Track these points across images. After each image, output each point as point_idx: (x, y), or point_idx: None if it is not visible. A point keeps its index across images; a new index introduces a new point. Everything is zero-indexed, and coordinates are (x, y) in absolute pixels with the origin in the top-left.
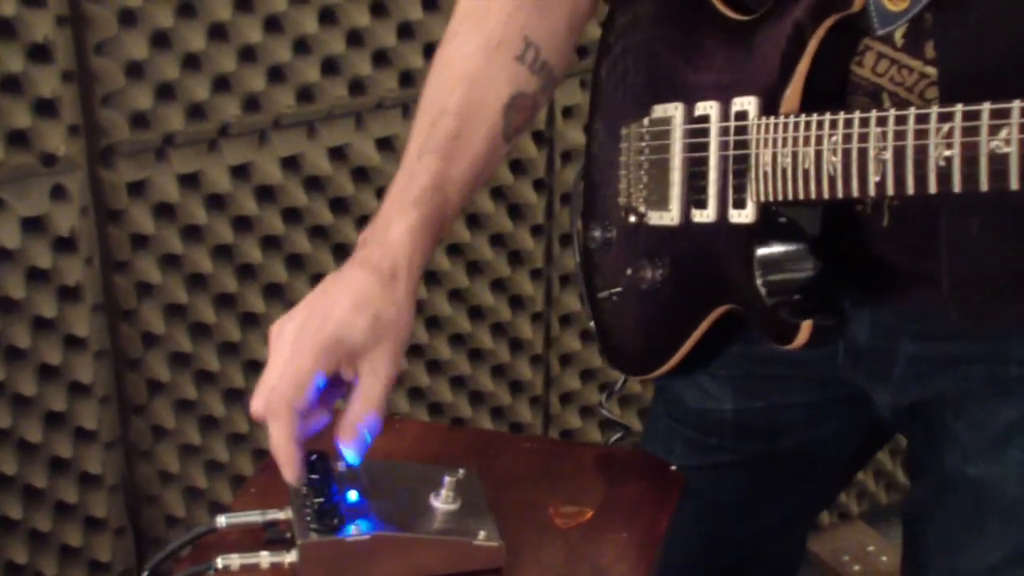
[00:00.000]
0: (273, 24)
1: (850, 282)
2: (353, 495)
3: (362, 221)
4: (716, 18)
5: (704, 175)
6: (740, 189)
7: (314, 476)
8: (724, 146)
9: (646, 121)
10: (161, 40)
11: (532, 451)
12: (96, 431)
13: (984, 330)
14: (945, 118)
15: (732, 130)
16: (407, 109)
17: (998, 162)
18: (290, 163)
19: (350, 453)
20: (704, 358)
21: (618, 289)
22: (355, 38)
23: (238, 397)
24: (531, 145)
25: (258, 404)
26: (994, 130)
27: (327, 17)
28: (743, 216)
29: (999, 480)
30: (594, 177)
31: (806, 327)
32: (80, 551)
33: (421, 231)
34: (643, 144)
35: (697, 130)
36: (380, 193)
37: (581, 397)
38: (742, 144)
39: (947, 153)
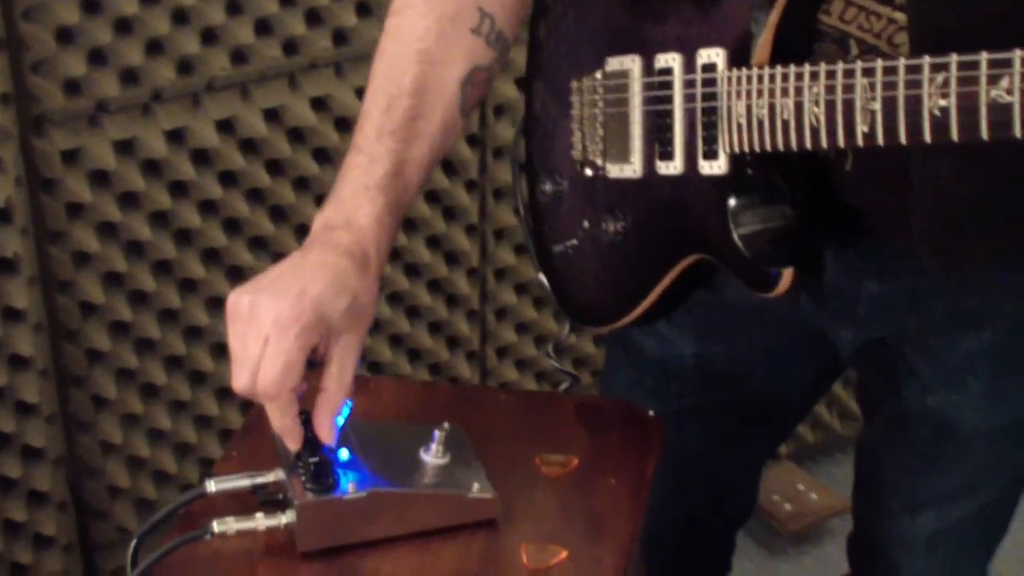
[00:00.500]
0: None
1: (819, 226)
2: (344, 454)
3: (299, 183)
4: None
5: (669, 127)
6: (711, 141)
7: (305, 437)
8: (690, 98)
9: (599, 75)
10: (92, 5)
11: (510, 403)
12: (37, 404)
13: (952, 268)
14: (939, 68)
15: (699, 82)
16: (340, 69)
17: (1000, 112)
18: (225, 126)
19: (326, 436)
20: (668, 307)
21: (574, 242)
22: None
23: (179, 364)
24: None
25: (244, 382)
26: (993, 80)
27: None
28: (715, 167)
29: (958, 410)
30: (540, 131)
31: (788, 275)
32: (23, 525)
33: (387, 217)
34: (597, 97)
35: (659, 83)
36: (316, 154)
37: (517, 350)
38: (711, 96)
39: (942, 103)
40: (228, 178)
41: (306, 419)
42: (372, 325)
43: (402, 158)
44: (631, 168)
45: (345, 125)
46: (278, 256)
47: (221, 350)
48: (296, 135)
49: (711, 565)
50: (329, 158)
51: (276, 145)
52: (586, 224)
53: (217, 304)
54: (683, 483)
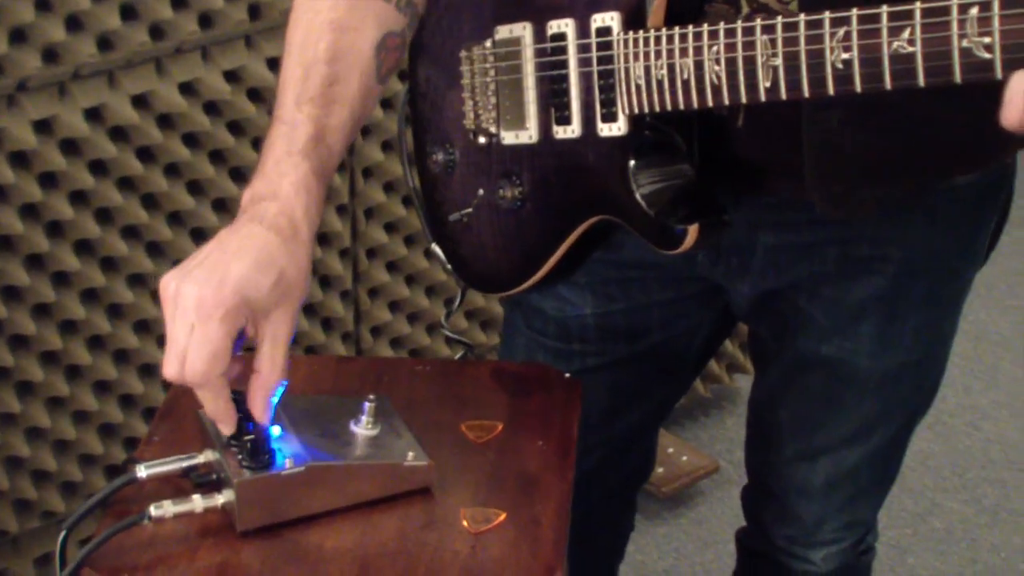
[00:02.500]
0: None
1: (716, 181)
2: (276, 431)
3: (169, 169)
4: None
5: (565, 92)
6: (609, 103)
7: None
8: (586, 63)
9: (489, 43)
10: None
11: (427, 373)
12: None
13: (844, 216)
14: (839, 22)
15: (594, 46)
16: (206, 52)
17: (902, 62)
18: (93, 114)
19: (261, 417)
20: (568, 269)
21: (469, 210)
22: None
23: (102, 344)
24: None
25: (174, 369)
26: (895, 31)
27: None
28: (615, 129)
29: (852, 355)
30: (427, 103)
31: (693, 231)
32: None
33: (313, 182)
34: (488, 66)
35: (552, 48)
36: (187, 140)
37: (391, 329)
38: (607, 60)
39: (845, 56)
40: (98, 167)
41: (240, 399)
42: None
43: (323, 124)
44: (527, 134)
45: (255, 95)
46: (197, 231)
47: (144, 328)
48: (211, 107)
49: (614, 524)
50: (243, 130)
51: (146, 131)
52: (481, 192)
53: (139, 281)
54: (585, 441)
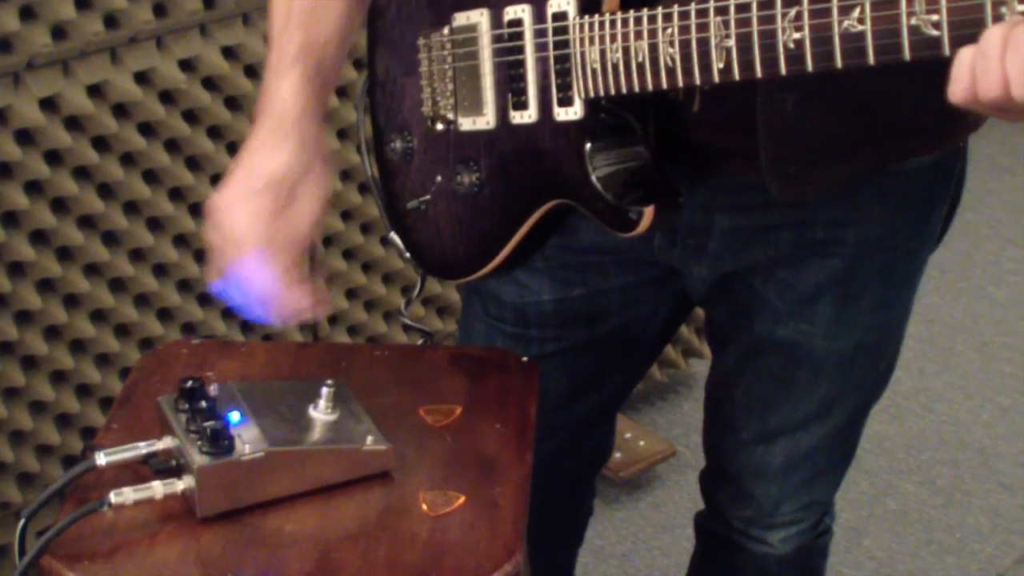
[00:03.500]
0: None
1: (673, 164)
2: (236, 416)
3: (125, 159)
4: None
5: (522, 78)
6: (565, 88)
7: (194, 403)
8: (542, 47)
9: (446, 30)
10: None
11: (385, 358)
12: None
13: (800, 198)
14: (791, 2)
15: (550, 31)
16: (161, 42)
17: (853, 41)
18: (47, 104)
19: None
20: (526, 254)
21: (427, 197)
22: None
23: (57, 334)
24: None
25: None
26: (845, 10)
27: None
28: (571, 113)
29: (807, 337)
30: (386, 92)
31: (648, 213)
32: None
33: (307, 82)
34: (446, 53)
35: (508, 34)
36: (143, 129)
37: (348, 316)
38: (563, 44)
39: (796, 36)
40: (53, 157)
41: (200, 386)
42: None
43: (312, 39)
44: (484, 120)
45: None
46: (152, 220)
47: (100, 317)
48: (121, 110)
49: (574, 508)
50: (198, 119)
51: (101, 121)
52: (439, 179)
53: (95, 270)
54: (545, 426)
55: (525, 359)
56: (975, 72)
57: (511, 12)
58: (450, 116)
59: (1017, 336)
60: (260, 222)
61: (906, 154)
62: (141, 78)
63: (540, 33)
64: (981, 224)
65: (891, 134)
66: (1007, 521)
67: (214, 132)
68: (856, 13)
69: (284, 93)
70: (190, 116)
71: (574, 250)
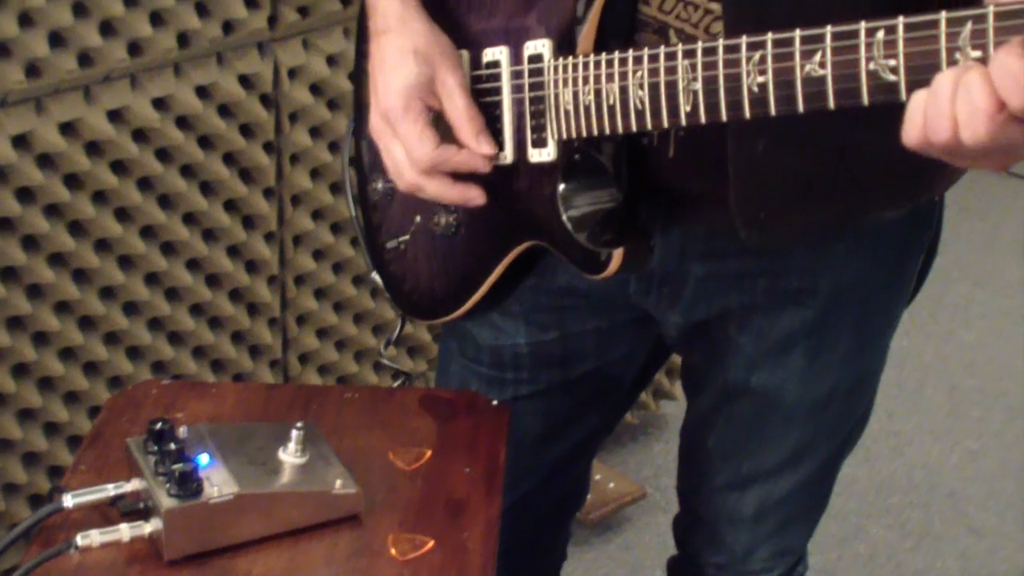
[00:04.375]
0: None
1: (646, 210)
2: (205, 459)
3: (97, 196)
4: None
5: (498, 119)
6: (539, 129)
7: (163, 444)
8: (518, 89)
9: None
10: None
11: (356, 400)
12: None
13: (770, 244)
14: (755, 47)
15: (526, 73)
16: (136, 80)
17: (814, 84)
18: (20, 141)
19: (486, 145)
20: (501, 295)
21: (406, 237)
22: (81, 9)
23: (27, 371)
24: (259, 108)
25: (408, 174)
26: (807, 55)
27: None
28: (544, 155)
29: (780, 385)
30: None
31: (617, 256)
32: None
33: None
34: None
35: (487, 76)
36: (115, 167)
37: (319, 356)
38: (538, 86)
39: (760, 79)
40: (25, 195)
41: (169, 427)
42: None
43: None
44: None
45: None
46: (124, 258)
47: (68, 355)
48: (94, 148)
49: (547, 551)
50: (171, 157)
51: (73, 158)
52: (418, 219)
53: (65, 308)
54: (519, 468)
55: (495, 403)
56: (927, 114)
57: (489, 54)
58: None
59: (986, 379)
60: (429, 139)
61: (880, 206)
62: (115, 116)
63: (516, 75)
64: (950, 267)
65: (864, 184)
66: (975, 564)
67: (187, 171)
68: (817, 57)
69: (383, 5)
70: (163, 154)
71: (549, 292)
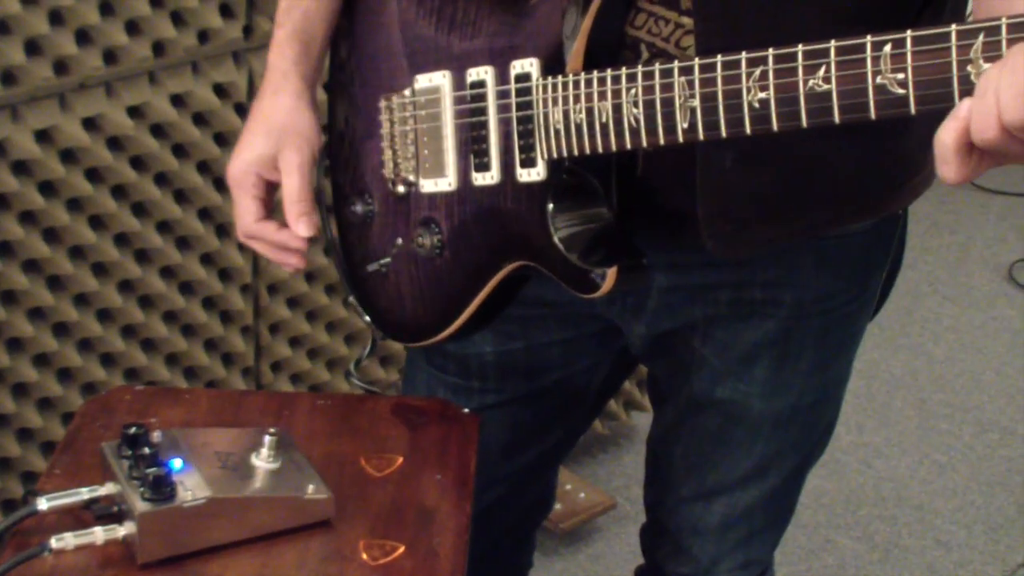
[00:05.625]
0: None
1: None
2: (178, 463)
3: (72, 204)
4: None
5: (484, 139)
6: (528, 149)
7: (136, 449)
8: (505, 109)
9: (408, 92)
10: None
11: (327, 407)
12: None
13: (735, 256)
14: (756, 62)
15: (513, 92)
16: (111, 88)
17: (817, 100)
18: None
19: (303, 229)
20: (487, 318)
21: (387, 260)
22: (57, 17)
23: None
24: (234, 116)
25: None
26: (810, 70)
27: None
28: (534, 175)
29: (745, 397)
30: (346, 152)
31: (611, 274)
32: None
33: (291, 40)
34: (408, 115)
35: (471, 96)
36: (90, 174)
37: (292, 364)
38: (526, 106)
39: (761, 96)
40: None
41: (143, 432)
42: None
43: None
44: (446, 181)
45: (158, 131)
46: (97, 265)
47: (42, 361)
48: (68, 156)
49: (513, 561)
50: (146, 166)
51: (49, 166)
52: (400, 241)
53: (39, 315)
54: (485, 477)
55: (466, 410)
56: (971, 113)
57: (474, 74)
58: (411, 178)
59: (955, 393)
60: (242, 211)
61: (845, 219)
62: (90, 124)
63: (503, 95)
64: (920, 281)
65: (829, 195)
66: None
67: (161, 179)
68: (822, 72)
69: (271, 58)
70: (137, 162)
71: (517, 302)
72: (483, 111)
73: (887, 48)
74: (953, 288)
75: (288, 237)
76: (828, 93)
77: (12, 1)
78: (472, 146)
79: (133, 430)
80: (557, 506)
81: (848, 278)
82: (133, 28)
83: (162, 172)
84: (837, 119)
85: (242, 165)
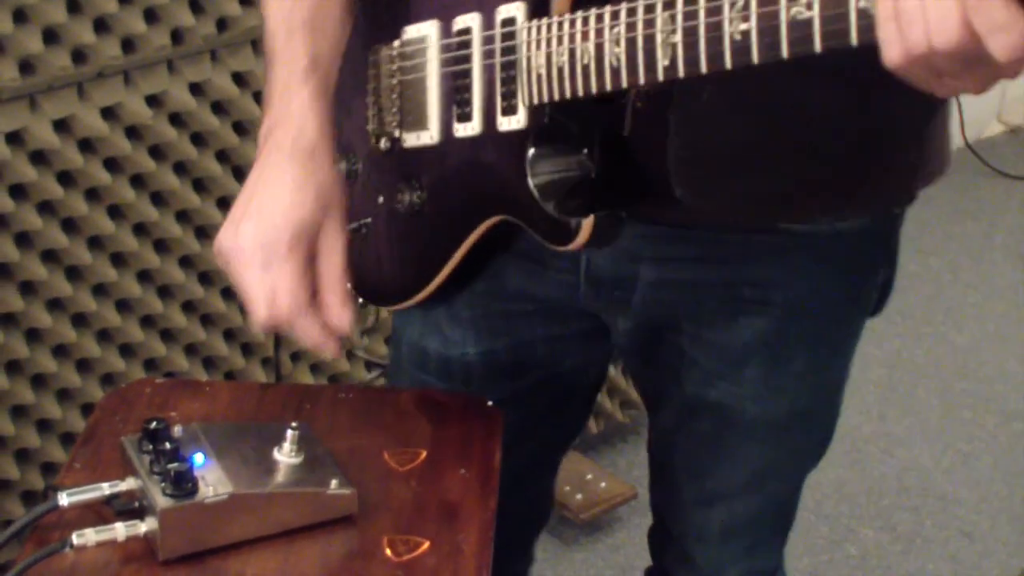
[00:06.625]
0: None
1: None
2: (200, 458)
3: (90, 194)
4: None
5: (467, 88)
6: (509, 96)
7: (158, 444)
8: (489, 55)
9: (396, 43)
10: None
11: (350, 400)
12: None
13: (706, 212)
14: None
15: (498, 37)
16: (128, 77)
17: (799, 28)
18: (14, 138)
19: (341, 321)
20: (464, 280)
21: (368, 220)
22: (75, 6)
23: (20, 368)
24: (252, 105)
25: (262, 316)
26: None
27: None
28: (514, 122)
29: (738, 400)
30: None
31: (587, 224)
32: None
33: (316, 101)
34: (395, 67)
35: (457, 43)
36: (108, 164)
37: (312, 354)
38: (510, 50)
39: (743, 27)
40: (18, 191)
41: (164, 427)
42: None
43: (313, 52)
44: (428, 135)
45: (177, 120)
46: (115, 255)
47: (62, 352)
48: (87, 145)
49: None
50: (164, 154)
51: (67, 156)
52: (381, 200)
53: (58, 305)
54: None
55: (490, 403)
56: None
57: (461, 21)
58: (395, 133)
59: (978, 382)
60: (303, 290)
61: (831, 206)
62: (108, 113)
63: (488, 40)
64: (942, 269)
65: (809, 159)
66: (967, 568)
67: (180, 168)
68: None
69: (296, 111)
70: (156, 151)
71: (500, 297)
72: (468, 59)
73: None
74: (976, 276)
75: (324, 340)
76: (810, 20)
77: None
78: (455, 96)
79: (154, 424)
80: (577, 496)
81: (840, 280)
82: (151, 16)
83: (181, 161)
84: (818, 47)
85: (293, 229)
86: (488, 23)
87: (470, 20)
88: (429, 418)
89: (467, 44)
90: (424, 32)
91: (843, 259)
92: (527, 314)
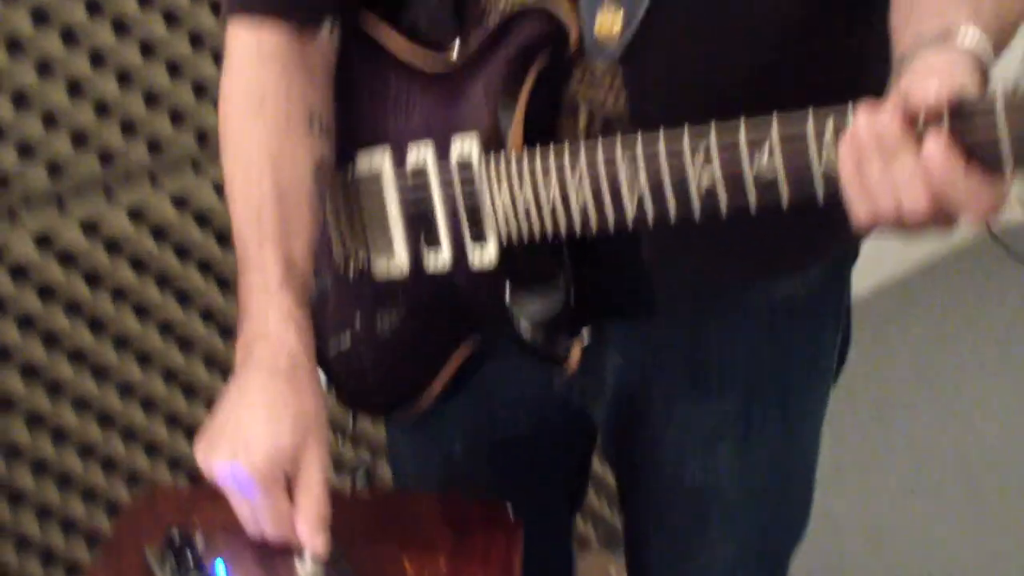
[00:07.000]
0: (21, 100)
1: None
2: (221, 568)
3: (117, 294)
4: (407, 70)
5: (430, 218)
6: (475, 223)
7: (180, 554)
8: (447, 185)
9: (349, 170)
10: None
11: (367, 504)
12: None
13: (673, 273)
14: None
15: (456, 170)
16: (155, 179)
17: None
18: (42, 241)
19: (319, 548)
20: (455, 388)
21: (347, 339)
22: (50, 120)
23: (44, 467)
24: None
25: (258, 538)
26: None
27: (75, 89)
28: (486, 254)
29: (714, 482)
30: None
31: (577, 347)
32: None
33: (297, 310)
34: (351, 193)
35: (413, 172)
36: (134, 264)
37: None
38: (469, 182)
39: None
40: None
41: (187, 538)
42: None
43: (288, 256)
44: (397, 263)
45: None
46: (141, 355)
47: (87, 451)
48: (114, 247)
49: None
50: (189, 253)
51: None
52: (358, 321)
53: (83, 404)
54: None
55: (510, 511)
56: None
57: (414, 152)
58: (362, 259)
59: (1008, 472)
60: (284, 516)
61: (788, 257)
62: (134, 214)
63: (444, 170)
64: (967, 358)
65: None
66: None
67: (204, 266)
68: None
69: (275, 325)
70: (181, 251)
71: (483, 399)
72: (425, 187)
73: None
74: (1002, 364)
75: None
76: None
77: (60, 93)
78: (419, 225)
79: (176, 534)
80: None
81: (800, 347)
82: (176, 118)
83: (205, 259)
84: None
85: (271, 459)
86: (443, 154)
87: (423, 151)
88: (448, 524)
89: (422, 173)
90: (377, 160)
91: (799, 327)
92: (510, 413)
